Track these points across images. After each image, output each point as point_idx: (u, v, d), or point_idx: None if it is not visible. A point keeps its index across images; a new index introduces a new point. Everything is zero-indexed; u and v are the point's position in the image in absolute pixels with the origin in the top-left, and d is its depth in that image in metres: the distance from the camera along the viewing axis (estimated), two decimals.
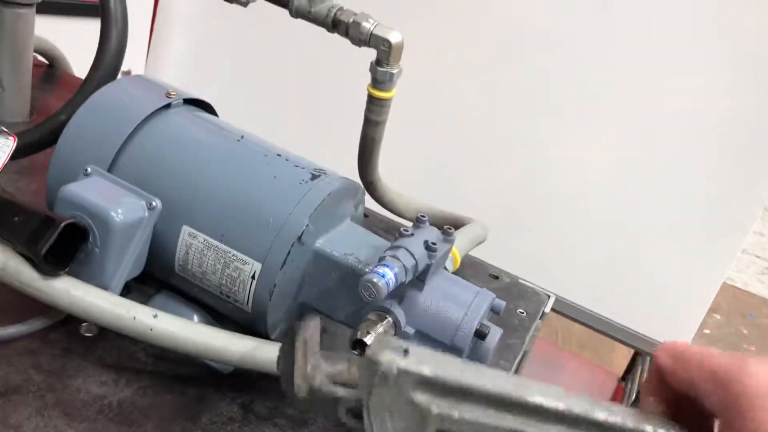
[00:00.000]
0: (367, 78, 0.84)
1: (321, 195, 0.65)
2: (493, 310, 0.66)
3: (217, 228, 0.64)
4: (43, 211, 0.59)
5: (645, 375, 1.84)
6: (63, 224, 0.57)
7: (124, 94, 0.71)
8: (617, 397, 2.09)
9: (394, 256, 0.59)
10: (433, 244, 0.63)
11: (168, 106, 0.70)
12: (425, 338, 0.63)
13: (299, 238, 0.63)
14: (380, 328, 0.61)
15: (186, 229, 0.65)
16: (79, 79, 1.14)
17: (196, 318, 0.69)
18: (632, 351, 1.97)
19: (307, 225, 0.63)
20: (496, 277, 0.96)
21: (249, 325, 0.68)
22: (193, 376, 0.66)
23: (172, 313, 0.66)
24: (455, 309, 0.63)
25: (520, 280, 0.97)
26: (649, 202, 1.57)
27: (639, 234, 1.60)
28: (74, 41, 1.22)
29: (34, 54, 1.18)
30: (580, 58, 1.50)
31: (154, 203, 0.63)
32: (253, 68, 1.83)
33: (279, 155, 0.69)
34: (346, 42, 0.84)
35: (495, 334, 0.63)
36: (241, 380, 0.67)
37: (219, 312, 0.69)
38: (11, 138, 0.68)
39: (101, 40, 0.75)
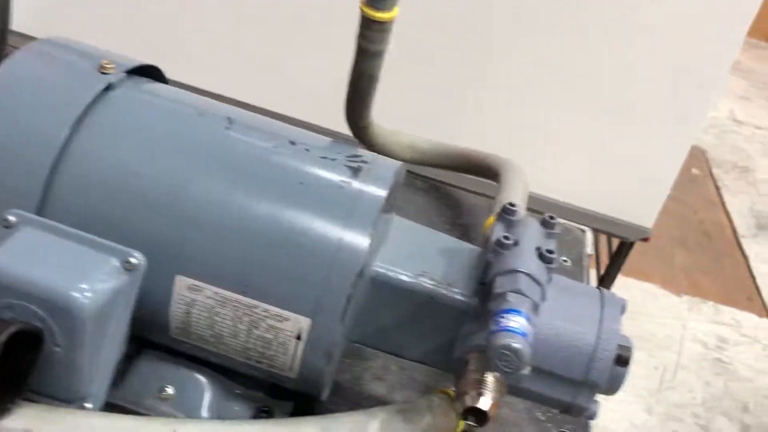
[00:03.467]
0: None
1: (375, 201, 0.45)
2: None
3: (233, 274, 0.43)
4: None
5: (609, 254, 1.78)
6: (3, 339, 0.35)
7: (36, 78, 0.45)
8: None
9: (518, 292, 0.41)
10: (549, 252, 0.44)
11: (108, 87, 0.46)
12: (547, 376, 0.46)
13: (360, 272, 0.43)
14: (490, 379, 0.43)
15: (181, 281, 0.43)
16: None
17: (206, 383, 0.49)
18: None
19: (368, 252, 0.43)
20: None
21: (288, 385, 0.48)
22: None
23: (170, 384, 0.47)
24: (584, 332, 0.46)
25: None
26: (601, 64, 1.40)
27: (589, 103, 1.44)
28: None
29: None
30: None
31: (133, 259, 0.40)
32: None
33: (293, 143, 0.47)
34: None
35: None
36: None
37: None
38: None
39: None
